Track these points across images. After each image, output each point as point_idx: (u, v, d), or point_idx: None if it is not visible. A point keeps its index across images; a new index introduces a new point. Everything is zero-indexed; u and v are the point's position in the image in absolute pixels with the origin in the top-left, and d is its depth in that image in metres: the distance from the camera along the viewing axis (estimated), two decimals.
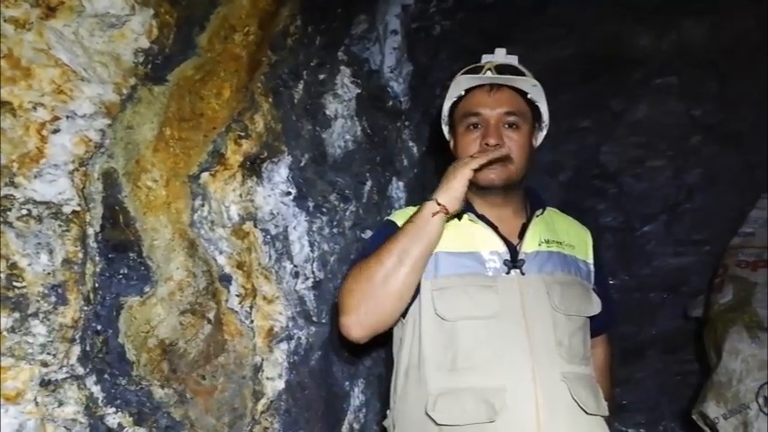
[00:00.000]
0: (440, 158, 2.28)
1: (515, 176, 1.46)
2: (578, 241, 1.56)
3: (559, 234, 1.52)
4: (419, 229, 1.33)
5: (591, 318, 1.47)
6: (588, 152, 2.92)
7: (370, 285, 1.32)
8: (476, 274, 1.38)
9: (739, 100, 2.71)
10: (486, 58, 1.52)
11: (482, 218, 1.46)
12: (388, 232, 1.41)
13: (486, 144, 1.42)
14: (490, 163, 1.40)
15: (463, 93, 1.50)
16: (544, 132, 1.56)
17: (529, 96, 1.49)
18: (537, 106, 1.51)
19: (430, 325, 1.37)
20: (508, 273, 1.39)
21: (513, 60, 1.52)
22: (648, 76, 2.80)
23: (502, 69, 1.47)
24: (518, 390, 1.29)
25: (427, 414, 1.31)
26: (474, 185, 1.45)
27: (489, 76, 1.46)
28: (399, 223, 1.44)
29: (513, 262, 1.40)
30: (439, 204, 1.33)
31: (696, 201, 2.88)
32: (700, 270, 2.78)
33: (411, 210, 1.53)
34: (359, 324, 1.34)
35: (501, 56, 1.53)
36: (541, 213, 1.52)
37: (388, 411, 1.49)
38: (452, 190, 1.34)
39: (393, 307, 1.34)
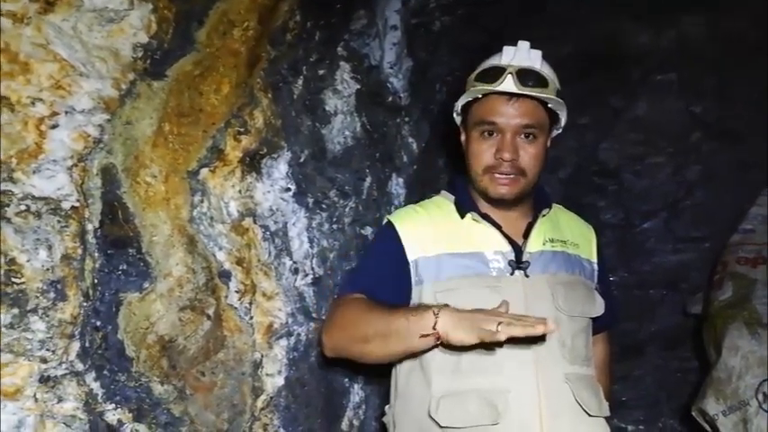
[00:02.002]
0: (439, 154, 2.28)
1: (527, 189, 1.43)
2: (583, 240, 1.55)
3: (564, 232, 1.51)
4: (407, 335, 1.24)
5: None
6: (588, 149, 2.92)
7: (349, 338, 1.36)
8: (480, 275, 1.37)
9: (739, 96, 2.70)
10: (507, 56, 1.40)
11: (486, 217, 1.44)
12: (390, 238, 1.43)
13: (501, 159, 1.37)
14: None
15: (480, 95, 1.42)
16: (559, 131, 1.51)
17: (549, 105, 1.42)
18: (556, 113, 1.45)
19: None
20: (512, 273, 1.38)
21: (537, 60, 1.39)
22: (648, 72, 2.79)
23: (524, 76, 1.35)
24: (521, 391, 1.29)
25: (430, 416, 1.30)
26: (483, 195, 1.45)
27: (510, 89, 1.35)
28: (399, 226, 1.44)
29: (518, 262, 1.39)
30: (434, 329, 1.20)
31: (696, 197, 2.88)
32: (699, 267, 2.79)
33: (412, 209, 1.52)
34: (330, 350, 1.42)
35: (524, 53, 1.39)
36: (547, 212, 1.50)
37: (387, 408, 1.49)
38: (454, 330, 1.18)
39: (362, 359, 1.38)
